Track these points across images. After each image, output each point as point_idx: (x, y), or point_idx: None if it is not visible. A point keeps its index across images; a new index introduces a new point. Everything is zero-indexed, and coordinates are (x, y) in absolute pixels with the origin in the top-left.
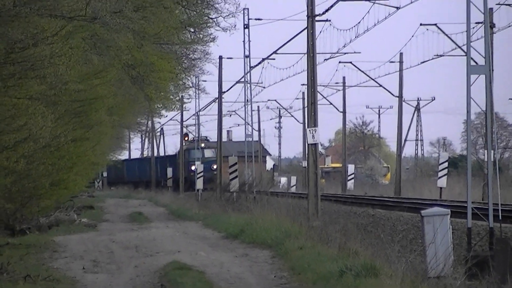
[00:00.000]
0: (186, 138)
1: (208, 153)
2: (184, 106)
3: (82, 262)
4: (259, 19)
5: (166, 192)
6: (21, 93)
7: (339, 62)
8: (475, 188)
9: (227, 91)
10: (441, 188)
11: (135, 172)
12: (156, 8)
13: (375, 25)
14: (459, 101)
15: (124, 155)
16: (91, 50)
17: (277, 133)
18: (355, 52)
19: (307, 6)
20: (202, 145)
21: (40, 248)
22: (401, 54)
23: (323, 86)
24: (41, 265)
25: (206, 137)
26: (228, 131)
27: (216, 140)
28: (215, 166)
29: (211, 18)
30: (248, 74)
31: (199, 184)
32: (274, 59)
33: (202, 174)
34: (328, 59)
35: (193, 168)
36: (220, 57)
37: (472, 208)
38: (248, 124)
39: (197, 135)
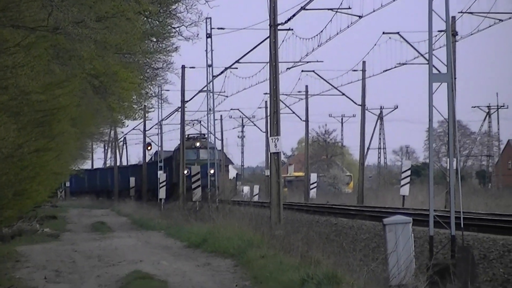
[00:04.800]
0: (149, 148)
1: (204, 154)
2: (146, 115)
3: (45, 272)
4: (221, 28)
5: (129, 202)
6: None
7: (302, 71)
8: (437, 196)
9: (189, 100)
10: (403, 196)
11: (96, 182)
12: (118, 19)
13: (337, 33)
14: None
15: (86, 165)
16: (54, 60)
17: (240, 142)
18: (317, 61)
19: (270, 15)
20: (198, 144)
21: (3, 258)
22: (363, 62)
23: (286, 95)
24: (4, 275)
25: (204, 135)
26: None
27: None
28: (212, 171)
29: (174, 28)
30: (211, 83)
31: (162, 193)
32: (236, 68)
33: (165, 183)
34: (290, 68)
35: (185, 172)
36: (183, 67)
37: (434, 216)
38: (211, 133)
39: (159, 145)
